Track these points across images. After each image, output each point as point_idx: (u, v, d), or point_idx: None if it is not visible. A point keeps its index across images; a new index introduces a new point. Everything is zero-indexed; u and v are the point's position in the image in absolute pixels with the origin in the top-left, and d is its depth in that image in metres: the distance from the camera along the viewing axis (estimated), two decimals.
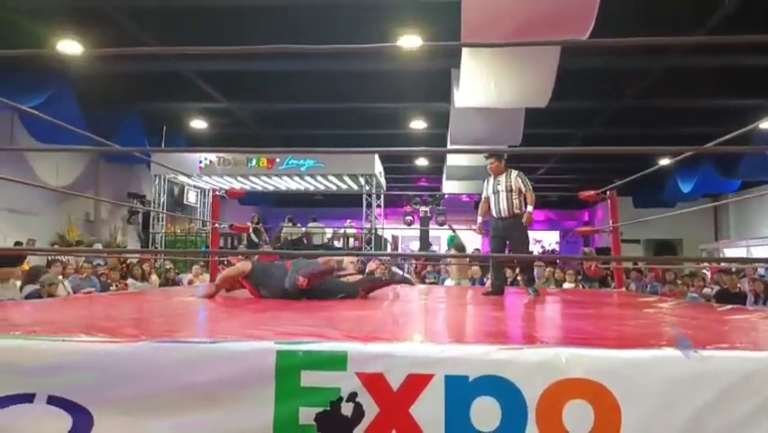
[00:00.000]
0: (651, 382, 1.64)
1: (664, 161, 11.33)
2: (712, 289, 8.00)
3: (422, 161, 18.27)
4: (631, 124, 12.67)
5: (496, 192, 5.12)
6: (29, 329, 2.03)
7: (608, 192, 6.36)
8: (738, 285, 7.76)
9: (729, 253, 17.25)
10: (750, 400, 1.61)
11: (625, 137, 13.13)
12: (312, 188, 15.87)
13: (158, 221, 14.79)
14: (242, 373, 1.74)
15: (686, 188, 15.72)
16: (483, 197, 5.33)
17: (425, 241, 19.04)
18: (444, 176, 16.62)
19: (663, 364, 1.67)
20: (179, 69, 10.01)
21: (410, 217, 18.74)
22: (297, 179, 14.79)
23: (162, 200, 14.54)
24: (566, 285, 8.18)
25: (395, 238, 20.01)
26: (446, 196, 18.24)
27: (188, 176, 14.22)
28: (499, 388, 1.66)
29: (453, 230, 8.96)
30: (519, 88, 7.97)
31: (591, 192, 6.50)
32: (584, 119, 12.58)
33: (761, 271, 11.22)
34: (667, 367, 1.66)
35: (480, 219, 5.47)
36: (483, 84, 7.83)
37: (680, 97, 10.80)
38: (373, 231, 14.42)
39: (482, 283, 8.67)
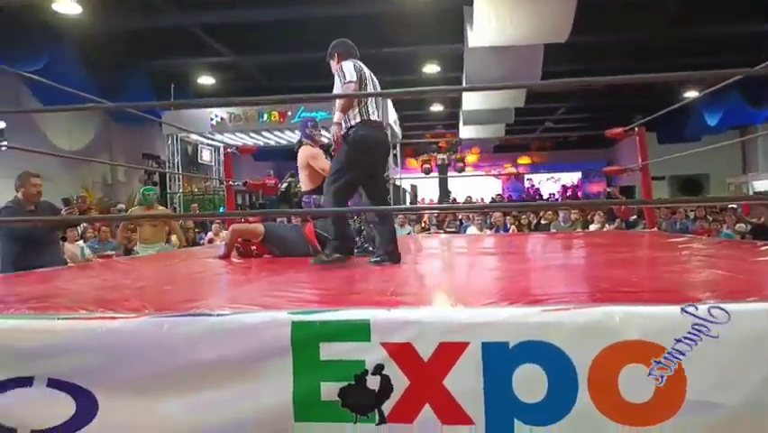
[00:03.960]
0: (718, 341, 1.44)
1: (691, 94, 10.77)
2: (746, 225, 7.68)
3: (437, 107, 17.75)
4: (654, 56, 12.04)
5: None
6: (26, 306, 1.89)
7: (635, 129, 6.05)
8: None
9: (759, 186, 16.65)
10: None
11: (647, 71, 12.47)
12: (326, 140, 15.47)
13: (174, 181, 14.70)
14: (256, 348, 1.57)
15: (712, 120, 15.03)
16: None
17: (444, 189, 18.75)
18: (461, 121, 16.16)
19: (731, 321, 1.45)
20: (183, 24, 9.67)
21: (428, 166, 18.36)
22: None
23: (177, 160, 14.36)
24: (593, 227, 7.92)
25: (413, 188, 19.73)
26: (463, 142, 17.81)
27: (200, 134, 14.00)
28: (545, 354, 1.46)
29: None
30: (538, 22, 7.53)
31: (619, 129, 6.18)
32: (604, 53, 11.96)
33: None
34: (736, 324, 1.45)
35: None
36: (499, 20, 7.39)
37: (703, 26, 10.14)
38: (391, 182, 14.08)
39: (506, 230, 8.47)
